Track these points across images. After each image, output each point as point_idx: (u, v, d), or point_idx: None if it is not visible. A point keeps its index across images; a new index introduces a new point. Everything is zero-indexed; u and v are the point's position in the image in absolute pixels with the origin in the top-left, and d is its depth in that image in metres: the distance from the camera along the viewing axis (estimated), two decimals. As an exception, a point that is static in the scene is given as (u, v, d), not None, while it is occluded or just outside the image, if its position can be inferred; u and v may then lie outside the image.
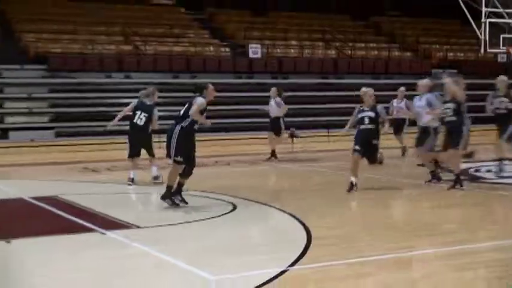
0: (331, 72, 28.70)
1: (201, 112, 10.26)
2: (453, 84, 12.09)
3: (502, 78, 14.26)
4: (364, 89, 12.44)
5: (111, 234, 8.55)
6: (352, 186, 11.66)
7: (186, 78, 26.20)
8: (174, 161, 10.09)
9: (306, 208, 10.20)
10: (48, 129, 22.48)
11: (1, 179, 13.62)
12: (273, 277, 6.43)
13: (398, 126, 18.46)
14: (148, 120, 12.80)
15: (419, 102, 13.41)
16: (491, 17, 27.81)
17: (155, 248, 7.71)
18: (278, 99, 17.46)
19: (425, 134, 12.80)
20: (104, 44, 26.82)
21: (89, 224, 9.16)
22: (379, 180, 13.04)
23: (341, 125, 24.97)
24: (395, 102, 18.50)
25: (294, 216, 9.51)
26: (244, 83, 27.06)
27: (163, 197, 10.24)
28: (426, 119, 12.82)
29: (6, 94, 23.90)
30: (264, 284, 6.21)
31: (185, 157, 10.13)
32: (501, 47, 28.02)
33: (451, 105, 11.78)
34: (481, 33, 27.91)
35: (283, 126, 17.71)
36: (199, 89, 10.67)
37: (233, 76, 27.02)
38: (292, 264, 6.93)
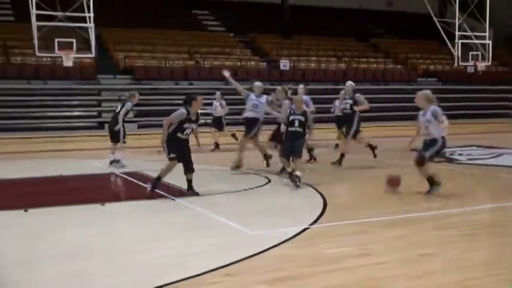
0: (341, 80, 28.55)
1: (184, 121, 8.60)
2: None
3: (350, 83, 13.24)
4: (296, 96, 11.30)
5: (179, 200, 8.56)
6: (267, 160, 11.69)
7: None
8: (169, 158, 8.70)
9: (322, 182, 10.10)
10: (133, 123, 22.63)
11: (98, 159, 13.71)
12: (298, 233, 6.39)
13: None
14: None
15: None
16: (462, 39, 27.44)
17: (211, 210, 7.71)
18: (223, 102, 16.95)
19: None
20: (174, 59, 26.92)
21: (163, 192, 9.16)
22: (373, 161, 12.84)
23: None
24: (337, 102, 16.16)
25: (313, 188, 9.43)
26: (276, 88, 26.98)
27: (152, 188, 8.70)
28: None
29: (103, 96, 24.11)
30: (290, 238, 6.16)
31: (179, 156, 8.69)
32: (470, 61, 27.70)
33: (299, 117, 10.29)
34: (454, 51, 27.59)
35: (224, 124, 17.10)
36: (188, 100, 8.78)
37: (268, 83, 26.90)
38: (313, 223, 6.88)
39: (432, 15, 27.63)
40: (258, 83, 12.55)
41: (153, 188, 8.63)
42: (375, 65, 30.94)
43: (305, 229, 6.55)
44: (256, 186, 9.77)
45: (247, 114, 12.12)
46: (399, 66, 31.35)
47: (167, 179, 10.39)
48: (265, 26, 31.27)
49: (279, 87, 12.61)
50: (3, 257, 5.62)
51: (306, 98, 13.43)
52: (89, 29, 21.30)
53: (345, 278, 4.80)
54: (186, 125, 8.64)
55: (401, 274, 4.92)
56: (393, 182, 8.91)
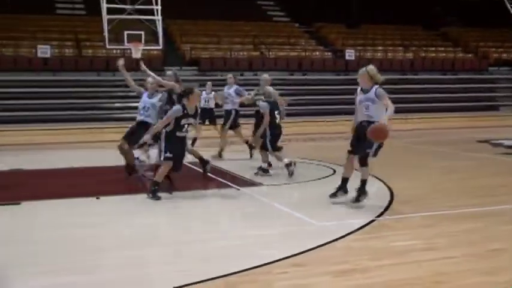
0: (408, 70, 28.02)
1: (181, 118, 7.99)
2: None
3: (266, 76, 12.05)
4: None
5: (244, 190, 8.68)
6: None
7: (299, 75, 26.26)
8: (164, 158, 8.02)
9: (389, 173, 9.98)
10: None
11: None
12: (364, 225, 6.37)
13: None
14: None
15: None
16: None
17: (276, 200, 7.78)
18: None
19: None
20: (239, 51, 27.07)
21: (229, 182, 9.32)
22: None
23: (417, 110, 24.59)
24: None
25: (379, 179, 9.34)
26: (342, 79, 26.75)
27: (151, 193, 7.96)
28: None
29: (170, 87, 24.55)
30: (356, 230, 6.15)
31: (175, 156, 8.03)
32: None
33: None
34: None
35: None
36: (185, 93, 8.20)
37: (334, 74, 26.73)
38: (379, 216, 6.84)
39: (505, 0, 26.61)
40: (229, 75, 13.29)
41: (153, 195, 7.86)
42: (443, 54, 30.09)
43: (371, 221, 6.52)
44: (322, 177, 9.76)
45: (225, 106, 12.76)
46: (469, 55, 30.36)
47: (233, 170, 10.54)
48: (331, 16, 30.96)
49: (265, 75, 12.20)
50: (71, 243, 5.86)
51: (236, 88, 12.90)
52: (157, 22, 21.76)
53: (411, 272, 4.77)
54: (183, 121, 8.05)
55: (469, 269, 4.84)
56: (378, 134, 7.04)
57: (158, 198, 7.82)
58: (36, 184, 9.48)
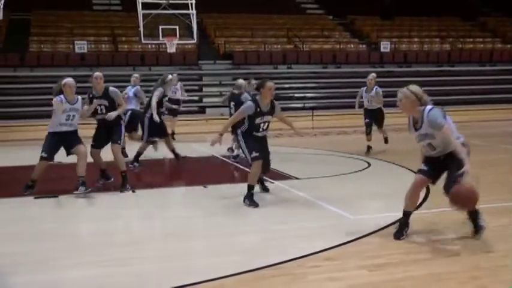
0: (445, 62, 27.51)
1: (254, 116, 7.09)
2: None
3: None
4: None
5: (278, 183, 8.64)
6: None
7: (333, 68, 26.04)
8: (252, 158, 7.12)
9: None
10: (227, 107, 22.94)
11: (199, 142, 14.09)
12: (398, 219, 6.25)
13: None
14: None
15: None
16: None
17: (311, 194, 7.72)
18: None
19: None
20: (272, 44, 27.00)
21: (262, 175, 9.26)
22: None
23: (454, 103, 24.15)
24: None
25: (415, 173, 9.17)
26: (377, 71, 26.29)
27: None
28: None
29: (204, 81, 24.66)
30: (391, 224, 6.05)
31: (261, 155, 7.20)
32: None
33: None
34: None
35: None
36: (257, 87, 7.25)
37: (368, 66, 26.39)
38: (414, 209, 6.70)
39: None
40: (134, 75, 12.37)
41: (250, 202, 7.11)
42: (481, 45, 29.44)
43: (406, 215, 6.39)
44: (357, 170, 9.66)
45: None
46: (508, 46, 29.63)
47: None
48: (365, 8, 30.60)
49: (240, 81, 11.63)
50: (114, 236, 5.93)
51: (136, 89, 11.93)
52: (191, 16, 21.84)
53: (448, 267, 4.66)
54: (257, 121, 7.13)
55: (507, 265, 4.71)
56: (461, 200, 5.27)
57: (256, 205, 7.01)
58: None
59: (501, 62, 27.81)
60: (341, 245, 5.29)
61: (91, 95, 8.36)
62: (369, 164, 10.27)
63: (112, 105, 8.30)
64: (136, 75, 12.46)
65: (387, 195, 7.82)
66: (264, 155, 7.31)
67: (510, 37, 30.36)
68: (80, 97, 8.05)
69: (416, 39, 29.12)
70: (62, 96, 7.85)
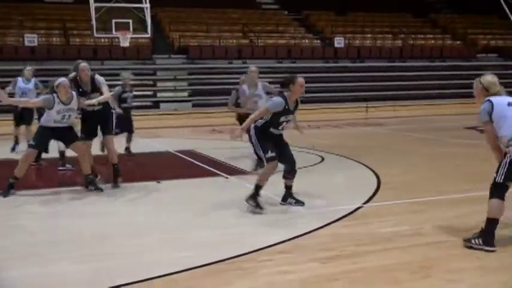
0: (397, 57, 27.97)
1: (281, 114, 6.50)
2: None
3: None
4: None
5: (232, 178, 8.62)
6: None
7: (288, 63, 26.13)
8: (267, 158, 6.50)
9: (377, 160, 9.95)
10: (187, 102, 22.87)
11: (154, 138, 13.95)
12: (351, 211, 6.32)
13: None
14: None
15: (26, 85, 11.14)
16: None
17: (264, 188, 7.68)
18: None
19: None
20: (227, 38, 26.89)
21: (216, 170, 9.25)
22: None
23: (405, 98, 24.62)
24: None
25: (367, 166, 9.31)
26: (331, 67, 26.67)
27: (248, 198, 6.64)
28: None
29: (158, 76, 24.39)
30: (343, 217, 6.11)
31: (277, 154, 6.58)
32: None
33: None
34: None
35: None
36: (286, 83, 6.56)
37: (323, 61, 26.63)
38: (366, 202, 6.80)
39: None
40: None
41: (255, 203, 6.52)
42: (432, 41, 30.05)
43: (358, 208, 6.48)
44: (310, 164, 9.70)
45: None
46: (458, 42, 30.36)
47: (220, 157, 10.47)
48: (319, 3, 30.79)
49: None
50: (65, 234, 5.78)
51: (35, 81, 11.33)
52: (145, 9, 21.54)
53: (399, 257, 4.71)
54: (282, 119, 6.56)
55: (458, 254, 4.79)
56: None
57: (262, 209, 6.45)
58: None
59: (451, 58, 28.45)
60: (293, 239, 5.30)
61: (81, 90, 7.86)
62: (322, 159, 10.34)
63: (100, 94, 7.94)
64: (28, 67, 11.48)
65: (339, 189, 7.90)
66: (283, 153, 6.68)
67: (460, 34, 31.10)
68: (74, 94, 7.70)
69: (369, 35, 29.50)
70: (54, 95, 7.52)
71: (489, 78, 5.33)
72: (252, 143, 6.86)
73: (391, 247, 5.01)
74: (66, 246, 5.24)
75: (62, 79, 7.62)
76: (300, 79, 6.52)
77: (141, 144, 12.56)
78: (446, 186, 7.66)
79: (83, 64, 7.97)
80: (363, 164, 9.51)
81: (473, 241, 4.99)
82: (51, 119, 7.58)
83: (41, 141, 7.77)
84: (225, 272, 4.47)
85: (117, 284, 4.24)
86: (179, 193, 7.78)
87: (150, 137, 14.23)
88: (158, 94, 23.36)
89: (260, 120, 6.51)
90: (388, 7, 31.34)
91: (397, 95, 24.90)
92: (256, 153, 6.86)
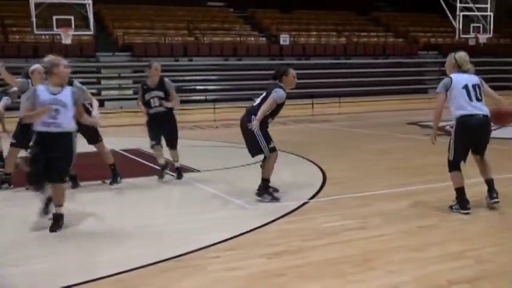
0: (341, 55, 28.41)
1: (281, 105, 6.87)
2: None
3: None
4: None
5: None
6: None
7: (234, 60, 26.16)
8: (270, 149, 6.76)
9: (322, 156, 10.12)
10: (133, 100, 22.48)
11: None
12: (297, 207, 6.42)
13: None
14: None
15: None
16: (463, 11, 27.26)
17: (211, 186, 7.74)
18: None
19: None
20: (173, 36, 26.70)
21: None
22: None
23: (350, 94, 25.07)
24: None
25: (313, 162, 9.45)
26: (277, 64, 26.82)
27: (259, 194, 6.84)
28: None
29: (102, 74, 24.00)
30: (289, 212, 6.19)
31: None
32: (471, 33, 27.56)
33: None
34: (456, 23, 27.42)
35: None
36: (278, 75, 6.86)
37: (268, 59, 26.78)
38: (312, 197, 6.91)
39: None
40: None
41: (269, 195, 6.78)
42: (375, 39, 30.70)
43: (304, 203, 6.58)
44: (255, 161, 9.76)
45: None
46: (400, 40, 31.12)
47: (168, 156, 10.40)
48: (265, 1, 30.97)
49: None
50: (10, 235, 5.64)
51: None
52: (87, 6, 21.16)
53: (343, 251, 4.83)
54: (278, 110, 6.86)
55: (400, 246, 4.95)
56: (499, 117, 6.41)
57: (277, 199, 6.70)
58: None
59: (393, 55, 29.13)
60: (241, 235, 5.35)
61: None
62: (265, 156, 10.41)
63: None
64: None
65: (286, 185, 7.97)
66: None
67: (401, 31, 31.88)
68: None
69: (314, 33, 29.87)
70: (29, 80, 7.58)
71: (463, 55, 6.15)
72: (250, 134, 6.76)
73: (336, 241, 5.13)
74: (11, 248, 5.12)
75: (37, 65, 7.53)
76: (293, 71, 6.81)
77: (85, 143, 12.31)
78: (390, 181, 7.87)
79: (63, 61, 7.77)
80: (309, 160, 9.65)
81: (453, 207, 6.07)
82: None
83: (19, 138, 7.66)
84: (173, 270, 4.48)
85: (64, 285, 4.19)
86: (126, 192, 7.71)
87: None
88: (103, 92, 23.00)
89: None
90: (332, 5, 31.80)
91: (342, 91, 25.31)
92: (251, 146, 6.90)
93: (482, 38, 27.76)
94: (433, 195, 6.89)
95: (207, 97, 24.07)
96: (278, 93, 6.68)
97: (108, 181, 8.10)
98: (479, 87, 6.03)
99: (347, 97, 24.75)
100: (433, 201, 6.59)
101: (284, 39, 27.37)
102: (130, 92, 23.40)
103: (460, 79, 5.99)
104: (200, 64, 25.29)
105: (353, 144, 12.08)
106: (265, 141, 6.70)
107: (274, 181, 7.77)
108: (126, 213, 6.56)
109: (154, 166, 9.44)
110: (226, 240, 5.18)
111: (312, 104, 23.24)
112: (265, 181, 6.80)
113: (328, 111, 21.74)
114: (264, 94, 6.89)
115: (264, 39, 28.52)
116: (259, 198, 6.73)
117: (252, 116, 6.67)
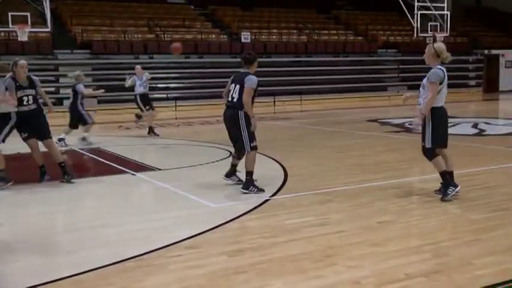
0: (302, 53, 28.60)
1: (256, 90, 7.13)
2: None
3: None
4: None
5: (140, 175, 8.54)
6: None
7: (195, 58, 26.03)
8: (252, 147, 7.06)
9: (284, 154, 10.18)
10: (92, 98, 22.25)
11: (57, 135, 13.45)
12: (259, 204, 6.45)
13: None
14: None
15: None
16: (421, 9, 27.78)
17: (172, 184, 7.70)
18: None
19: None
20: (133, 33, 26.42)
21: (123, 167, 9.13)
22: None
23: (311, 92, 25.27)
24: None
25: (274, 160, 9.50)
26: (238, 61, 26.79)
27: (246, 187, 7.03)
28: None
29: (61, 72, 23.57)
30: (251, 210, 6.22)
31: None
32: (429, 32, 28.11)
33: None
34: (414, 22, 27.92)
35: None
36: (249, 60, 7.22)
37: (230, 56, 26.76)
38: (273, 195, 6.95)
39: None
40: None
41: (255, 187, 7.02)
42: (335, 37, 31.01)
43: (266, 201, 6.62)
44: (218, 159, 9.77)
45: None
46: (359, 38, 31.51)
47: (127, 154, 10.33)
48: (225, -2, 30.99)
49: None
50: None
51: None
52: (44, 2, 20.76)
53: (304, 247, 4.88)
54: (255, 96, 7.13)
55: (359, 242, 5.03)
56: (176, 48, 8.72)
57: (263, 191, 6.97)
58: None
59: (353, 53, 29.48)
60: (202, 233, 5.35)
61: (17, 84, 7.76)
62: (231, 153, 10.41)
63: (36, 95, 7.97)
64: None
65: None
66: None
67: (361, 30, 32.30)
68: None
69: (275, 31, 29.97)
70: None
71: (441, 45, 6.51)
72: (241, 129, 7.05)
73: (297, 238, 5.18)
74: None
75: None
76: (257, 58, 7.28)
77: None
78: (351, 177, 7.98)
79: (23, 61, 8.02)
80: (271, 158, 9.70)
81: (448, 192, 6.40)
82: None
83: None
84: (134, 270, 4.45)
85: (26, 286, 4.12)
86: (85, 191, 7.62)
87: (53, 136, 13.73)
88: (61, 90, 22.60)
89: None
90: (292, 3, 32.00)
91: (303, 89, 25.52)
92: (235, 139, 7.24)
93: (440, 36, 28.33)
94: (392, 191, 7.02)
95: (168, 95, 23.92)
96: (253, 80, 6.98)
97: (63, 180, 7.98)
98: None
99: (308, 95, 24.97)
100: (391, 197, 6.71)
101: (245, 36, 27.41)
102: (90, 90, 23.06)
103: (446, 74, 6.40)
104: (161, 62, 25.10)
105: (314, 141, 12.18)
106: (249, 139, 7.02)
107: (239, 176, 7.79)
108: (85, 213, 6.49)
109: (114, 165, 9.37)
110: (187, 238, 5.18)
111: (274, 101, 23.35)
112: (250, 173, 7.03)
113: (290, 109, 21.88)
114: (237, 86, 7.08)
115: (225, 36, 28.49)
116: (245, 191, 6.96)
117: (240, 111, 6.98)
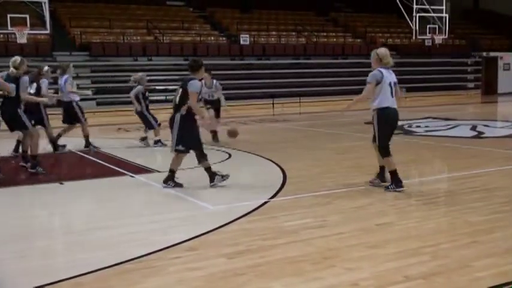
0: (301, 55, 28.65)
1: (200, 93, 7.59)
2: None
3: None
4: None
5: (138, 177, 8.54)
6: None
7: (194, 60, 26.05)
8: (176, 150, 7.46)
9: (283, 156, 10.18)
10: (91, 100, 22.25)
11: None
12: (258, 206, 6.46)
13: None
14: None
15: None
16: (420, 12, 27.85)
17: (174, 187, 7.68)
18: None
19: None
20: (132, 35, 26.45)
21: (123, 169, 9.13)
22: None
23: (310, 94, 25.30)
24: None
25: (274, 162, 9.50)
26: (237, 64, 26.91)
27: (165, 181, 7.55)
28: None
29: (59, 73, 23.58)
30: (250, 212, 6.23)
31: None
32: (427, 34, 28.19)
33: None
34: (412, 24, 27.97)
35: None
36: (199, 65, 7.66)
37: (229, 58, 26.83)
38: (272, 197, 6.95)
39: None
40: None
41: (175, 185, 7.50)
42: (334, 39, 31.06)
43: (265, 203, 6.62)
44: (218, 161, 9.77)
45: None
46: (358, 40, 31.56)
47: (126, 156, 10.34)
48: (225, 0, 30.98)
49: None
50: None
51: None
52: (43, 4, 20.77)
53: (303, 249, 4.89)
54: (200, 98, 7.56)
55: (358, 244, 5.03)
56: (232, 133, 9.55)
57: (181, 186, 7.54)
58: None
59: (352, 55, 29.53)
60: (201, 235, 5.35)
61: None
62: (230, 155, 10.45)
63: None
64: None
65: (247, 185, 8.03)
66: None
67: (360, 32, 32.35)
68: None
69: (274, 33, 30.03)
70: None
71: (383, 51, 7.20)
72: (173, 128, 7.39)
73: (296, 240, 5.18)
74: (-37, 253, 5.01)
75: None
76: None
77: (44, 144, 12.10)
78: (350, 179, 7.99)
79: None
80: (270, 160, 9.71)
81: (389, 187, 6.99)
82: None
83: None
84: (133, 272, 4.45)
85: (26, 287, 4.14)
86: (84, 194, 7.62)
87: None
88: (60, 92, 22.56)
89: (184, 107, 7.21)
90: (291, 5, 32.05)
91: (302, 91, 25.55)
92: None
93: (438, 38, 28.41)
94: (390, 193, 7.02)
95: (167, 97, 23.90)
96: (195, 85, 7.29)
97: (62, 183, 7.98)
98: (395, 85, 7.12)
99: (307, 97, 24.98)
100: (390, 199, 6.72)
101: (244, 39, 27.45)
102: (89, 92, 23.08)
103: (387, 75, 7.01)
104: (160, 64, 25.13)
105: (313, 143, 12.20)
106: (176, 140, 7.35)
107: (234, 180, 7.80)
108: (84, 215, 6.49)
109: (113, 167, 9.38)
110: (186, 240, 5.18)
111: (273, 103, 23.36)
112: (171, 171, 7.52)
113: (289, 111, 21.90)
114: (180, 90, 7.38)
115: (224, 39, 28.53)
116: (165, 185, 7.47)
117: (176, 114, 7.29)
